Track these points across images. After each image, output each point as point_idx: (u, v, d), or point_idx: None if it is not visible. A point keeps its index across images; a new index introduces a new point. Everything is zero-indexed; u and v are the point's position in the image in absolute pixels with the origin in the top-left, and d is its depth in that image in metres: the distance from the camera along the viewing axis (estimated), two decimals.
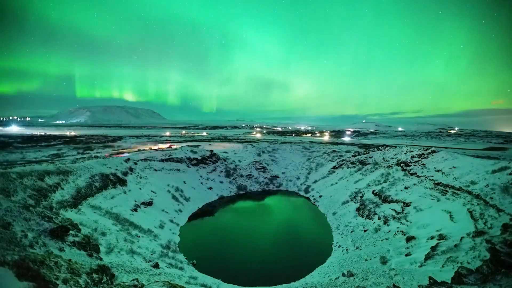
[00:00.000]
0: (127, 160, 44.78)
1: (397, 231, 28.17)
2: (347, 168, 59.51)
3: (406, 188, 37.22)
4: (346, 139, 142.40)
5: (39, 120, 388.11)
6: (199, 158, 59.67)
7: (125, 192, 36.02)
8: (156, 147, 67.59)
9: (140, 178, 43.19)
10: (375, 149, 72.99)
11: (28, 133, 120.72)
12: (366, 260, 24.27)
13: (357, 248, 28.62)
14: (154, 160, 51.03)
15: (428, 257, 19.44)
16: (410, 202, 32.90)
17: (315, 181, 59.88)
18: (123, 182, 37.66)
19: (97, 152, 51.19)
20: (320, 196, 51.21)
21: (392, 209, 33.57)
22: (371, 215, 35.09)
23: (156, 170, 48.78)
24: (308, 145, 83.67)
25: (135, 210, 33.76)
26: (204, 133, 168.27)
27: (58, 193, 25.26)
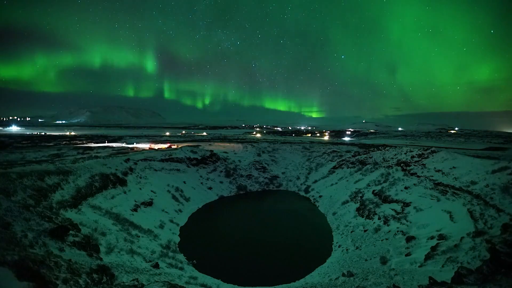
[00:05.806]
0: (127, 160, 44.77)
1: (397, 231, 28.19)
2: (347, 168, 59.53)
3: (406, 188, 37.25)
4: (346, 139, 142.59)
5: (39, 120, 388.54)
6: (199, 158, 59.69)
7: (125, 192, 36.02)
8: (156, 147, 67.63)
9: (140, 178, 43.18)
10: (375, 149, 73.02)
11: (28, 133, 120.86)
12: (366, 260, 24.30)
13: (357, 248, 28.64)
14: (154, 160, 51.02)
15: (428, 257, 19.47)
16: (410, 202, 32.94)
17: (315, 181, 59.91)
18: (123, 182, 37.65)
19: (97, 152, 51.14)
20: (320, 196, 51.22)
21: (392, 209, 33.60)
22: (371, 215, 35.10)
23: (156, 170, 48.76)
24: (308, 145, 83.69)
25: (135, 210, 33.76)
26: (204, 133, 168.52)
27: (58, 193, 25.24)
